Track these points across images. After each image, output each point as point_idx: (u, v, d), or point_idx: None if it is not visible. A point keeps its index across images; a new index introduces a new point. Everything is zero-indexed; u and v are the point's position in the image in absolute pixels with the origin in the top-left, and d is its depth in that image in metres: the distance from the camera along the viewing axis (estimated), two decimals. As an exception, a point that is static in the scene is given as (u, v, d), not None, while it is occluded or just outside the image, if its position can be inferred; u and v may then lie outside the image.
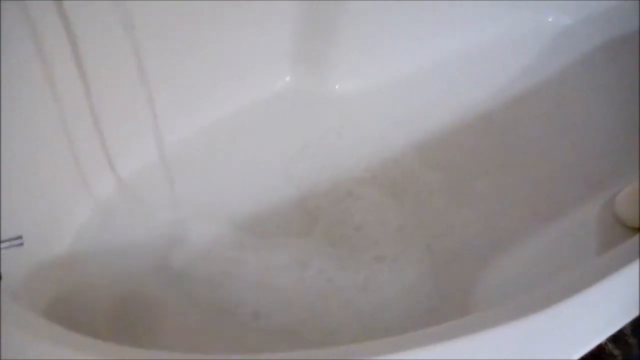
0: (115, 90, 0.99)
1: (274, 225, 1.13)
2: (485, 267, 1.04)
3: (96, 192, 1.09)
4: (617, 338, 0.70)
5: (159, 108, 1.02)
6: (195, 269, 1.06)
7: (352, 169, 1.21)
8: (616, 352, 0.85)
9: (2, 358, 0.62)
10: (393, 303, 1.03)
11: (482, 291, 1.00)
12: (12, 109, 0.90)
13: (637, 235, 0.75)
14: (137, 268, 1.05)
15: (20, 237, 0.71)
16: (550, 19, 1.29)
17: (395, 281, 1.05)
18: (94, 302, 0.99)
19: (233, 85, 1.23)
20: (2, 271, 0.75)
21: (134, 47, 0.91)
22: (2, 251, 0.72)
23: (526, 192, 1.15)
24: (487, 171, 1.19)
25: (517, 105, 1.26)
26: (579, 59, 1.26)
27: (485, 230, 1.11)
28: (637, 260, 0.70)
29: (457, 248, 1.10)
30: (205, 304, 1.01)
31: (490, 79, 1.29)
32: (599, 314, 0.68)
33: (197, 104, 1.20)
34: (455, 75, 1.29)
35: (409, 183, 1.19)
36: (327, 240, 1.11)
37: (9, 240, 0.71)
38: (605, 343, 0.83)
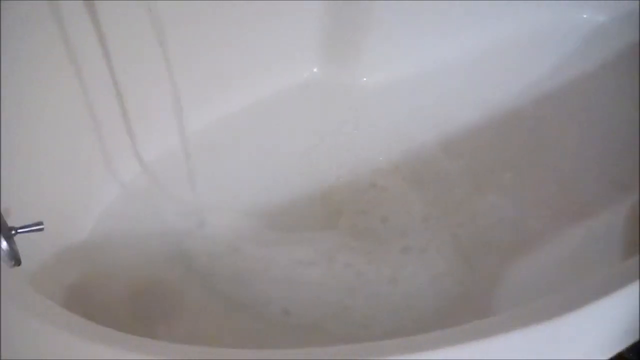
0: (141, 76, 0.99)
1: (297, 218, 1.12)
2: (510, 260, 1.03)
3: (120, 178, 1.10)
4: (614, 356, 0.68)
5: (185, 95, 1.03)
6: (218, 261, 1.05)
7: (375, 160, 1.20)
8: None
9: (17, 347, 0.62)
10: (422, 294, 1.02)
11: (507, 287, 0.99)
12: (38, 94, 0.91)
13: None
14: (157, 256, 1.05)
15: (40, 223, 0.71)
16: (585, 16, 1.26)
17: (424, 272, 1.05)
18: (114, 288, 0.99)
19: (260, 75, 1.23)
20: (23, 255, 0.76)
21: (160, 34, 0.91)
22: (23, 235, 0.72)
23: (552, 190, 1.13)
24: (512, 167, 1.17)
25: (546, 102, 1.24)
26: (612, 58, 1.23)
27: (510, 224, 1.10)
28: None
29: (483, 237, 1.09)
30: (233, 301, 1.01)
31: (520, 75, 1.26)
32: (621, 320, 0.66)
33: (224, 92, 1.20)
34: (485, 70, 1.26)
35: (432, 174, 1.18)
36: (352, 233, 1.11)
37: (29, 225, 0.71)
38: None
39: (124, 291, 1.00)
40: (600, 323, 0.66)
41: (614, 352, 0.66)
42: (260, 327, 0.98)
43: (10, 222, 0.70)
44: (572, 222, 1.05)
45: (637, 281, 0.66)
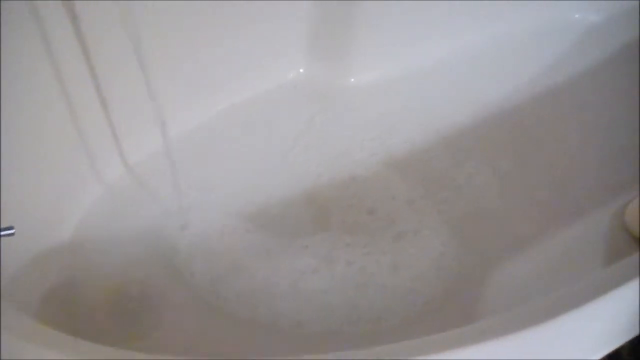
0: (124, 76, 0.97)
1: (289, 223, 1.12)
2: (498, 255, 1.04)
3: (103, 179, 1.09)
4: (613, 358, 0.67)
5: (170, 96, 1.02)
6: (203, 265, 1.05)
7: (356, 154, 1.20)
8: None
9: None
10: (425, 276, 1.03)
11: (491, 292, 0.99)
12: (20, 95, 0.91)
13: (643, 250, 0.73)
14: (141, 257, 1.04)
15: (11, 227, 0.71)
16: (577, 16, 1.25)
17: (421, 254, 1.06)
18: (95, 290, 0.99)
19: (245, 76, 1.21)
20: (3, 257, 0.76)
21: (137, 37, 0.91)
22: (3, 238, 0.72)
23: (544, 192, 1.13)
24: (503, 167, 1.17)
25: (539, 103, 1.24)
26: (605, 58, 1.23)
27: (500, 229, 1.10)
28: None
29: (468, 208, 1.11)
30: (237, 317, 1.00)
31: (512, 76, 1.26)
32: (597, 330, 0.66)
33: (209, 93, 1.19)
34: (475, 71, 1.26)
35: (415, 160, 1.19)
36: (344, 229, 1.11)
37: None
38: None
39: (106, 292, 1.00)
40: (594, 323, 0.66)
41: (606, 352, 0.66)
42: (271, 341, 0.97)
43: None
44: (562, 224, 1.05)
45: (628, 283, 0.66)
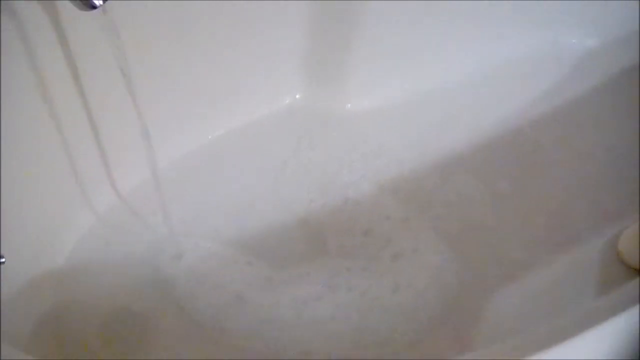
0: (114, 105, 0.97)
1: (286, 250, 1.12)
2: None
3: (95, 207, 1.09)
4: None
5: (163, 123, 1.02)
6: (198, 296, 1.04)
7: (348, 177, 1.20)
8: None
9: None
10: (427, 293, 1.03)
11: (489, 312, 1.00)
12: (11, 124, 0.90)
13: (638, 279, 0.72)
14: (133, 285, 1.04)
15: (1, 257, 0.71)
16: (574, 41, 1.25)
17: (421, 272, 1.06)
18: (88, 316, 0.99)
19: (240, 102, 1.21)
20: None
21: (127, 64, 0.91)
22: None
23: (541, 219, 1.12)
24: (499, 194, 1.16)
25: (535, 128, 1.23)
26: (602, 83, 1.23)
27: (495, 247, 1.10)
28: (637, 306, 0.67)
29: (464, 224, 1.12)
30: (241, 349, 0.99)
31: (509, 101, 1.25)
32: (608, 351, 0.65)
33: (202, 119, 1.19)
34: (472, 96, 1.26)
35: (409, 184, 1.19)
36: (341, 254, 1.10)
37: (-11, 258, 0.71)
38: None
39: (97, 320, 0.99)
40: (587, 353, 0.65)
41: None
42: None
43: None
44: (559, 251, 1.05)
45: (622, 313, 0.66)
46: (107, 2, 0.78)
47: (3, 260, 0.71)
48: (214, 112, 1.20)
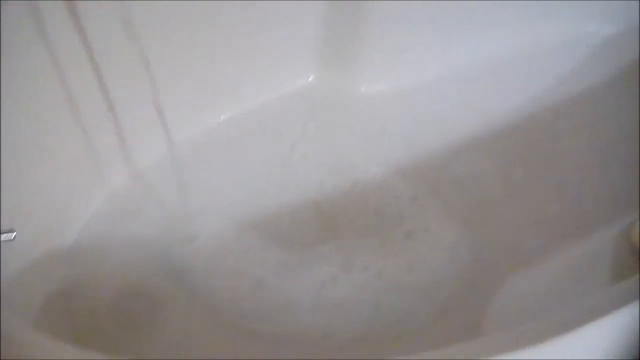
0: (130, 82, 0.97)
1: (300, 231, 1.12)
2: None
3: (108, 184, 1.08)
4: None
5: (177, 103, 1.02)
6: (212, 275, 1.05)
7: (358, 159, 1.21)
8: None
9: None
10: (442, 270, 1.05)
11: (497, 306, 0.98)
12: (25, 99, 0.91)
13: (650, 270, 0.71)
14: (145, 263, 1.04)
15: (12, 230, 0.71)
16: (590, 28, 1.24)
17: (435, 249, 1.07)
18: (99, 294, 0.99)
19: (253, 83, 1.20)
20: (7, 259, 0.76)
21: (143, 42, 0.91)
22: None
23: (554, 207, 1.12)
24: (511, 181, 1.16)
25: (552, 116, 1.21)
26: (619, 71, 1.21)
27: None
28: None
29: (472, 197, 1.13)
30: (260, 333, 0.99)
31: (525, 88, 1.23)
32: (596, 353, 0.65)
33: (216, 100, 1.18)
34: (486, 83, 1.24)
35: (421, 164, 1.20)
36: (355, 235, 1.11)
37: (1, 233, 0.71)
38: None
39: (109, 298, 0.99)
40: (594, 344, 0.65)
41: None
42: (300, 356, 0.97)
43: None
44: (568, 240, 1.03)
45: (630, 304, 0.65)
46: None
47: (14, 235, 0.71)
48: (228, 93, 1.20)
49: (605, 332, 0.65)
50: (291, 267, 1.06)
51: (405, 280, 1.03)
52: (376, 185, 1.17)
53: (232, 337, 0.98)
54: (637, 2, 1.19)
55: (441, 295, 1.02)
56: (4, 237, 0.70)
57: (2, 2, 0.84)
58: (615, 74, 1.21)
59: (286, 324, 1.00)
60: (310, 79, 1.26)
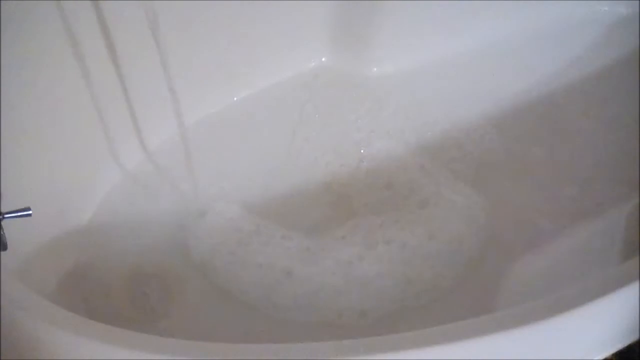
0: (145, 64, 0.97)
1: (315, 215, 1.12)
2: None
3: (122, 165, 1.09)
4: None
5: (191, 84, 1.02)
6: (220, 255, 1.05)
7: (363, 136, 1.20)
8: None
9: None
10: (461, 236, 1.05)
11: (510, 285, 1.00)
12: (40, 80, 0.92)
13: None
14: (158, 243, 1.05)
15: (28, 208, 0.72)
16: (606, 8, 1.23)
17: (451, 216, 1.08)
18: (113, 273, 1.01)
19: (266, 65, 1.21)
20: (20, 238, 0.76)
21: (158, 25, 0.91)
22: (24, 220, 0.73)
23: (567, 188, 1.12)
24: (522, 162, 1.17)
25: (564, 95, 1.22)
26: (633, 51, 1.20)
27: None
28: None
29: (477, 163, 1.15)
30: (295, 321, 0.99)
31: (540, 68, 1.23)
32: (604, 328, 0.65)
33: (229, 81, 1.19)
34: (499, 63, 1.24)
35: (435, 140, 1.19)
36: (371, 211, 1.11)
37: (17, 211, 0.71)
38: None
39: (122, 277, 1.01)
40: (599, 322, 0.66)
41: (611, 352, 0.65)
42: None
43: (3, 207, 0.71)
44: (580, 219, 1.05)
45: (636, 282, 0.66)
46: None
47: (30, 212, 0.72)
48: (241, 73, 1.20)
49: (615, 307, 0.65)
50: (315, 253, 1.05)
51: (429, 248, 1.04)
52: (383, 159, 1.17)
53: (265, 327, 0.98)
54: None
55: (464, 256, 1.04)
56: (21, 214, 0.71)
57: (2, 1, 0.85)
58: (630, 53, 1.21)
59: (321, 310, 0.99)
60: (323, 60, 1.25)
